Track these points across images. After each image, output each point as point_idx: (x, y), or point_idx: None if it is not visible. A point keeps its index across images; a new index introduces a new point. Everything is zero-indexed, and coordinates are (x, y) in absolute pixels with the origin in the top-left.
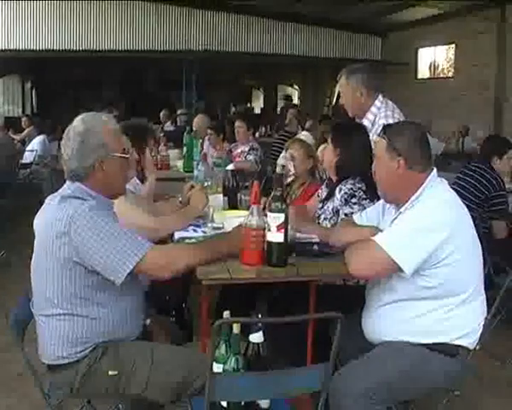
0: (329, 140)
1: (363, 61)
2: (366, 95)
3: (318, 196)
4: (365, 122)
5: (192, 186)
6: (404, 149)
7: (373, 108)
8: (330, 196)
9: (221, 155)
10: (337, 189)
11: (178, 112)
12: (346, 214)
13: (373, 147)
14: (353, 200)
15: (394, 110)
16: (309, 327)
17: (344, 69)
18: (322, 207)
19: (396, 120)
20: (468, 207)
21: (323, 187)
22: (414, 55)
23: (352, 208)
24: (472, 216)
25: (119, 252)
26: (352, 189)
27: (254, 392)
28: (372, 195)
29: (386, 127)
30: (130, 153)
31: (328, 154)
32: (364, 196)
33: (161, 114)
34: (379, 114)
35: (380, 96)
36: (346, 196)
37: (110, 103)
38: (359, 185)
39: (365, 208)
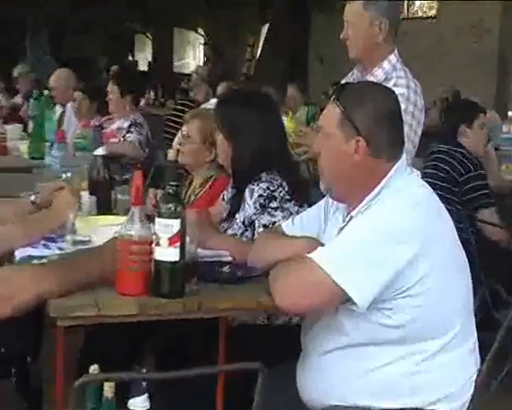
0: (217, 126)
1: None
2: (385, 33)
3: (224, 198)
4: (371, 79)
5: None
6: (367, 126)
7: (385, 64)
8: (237, 202)
9: (86, 134)
10: (247, 191)
11: (16, 72)
12: (264, 226)
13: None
14: (273, 204)
15: (417, 85)
16: (219, 384)
17: None
18: (229, 218)
19: (417, 98)
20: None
21: (229, 187)
22: None
23: (274, 216)
24: (455, 219)
25: None
26: (268, 188)
27: None
28: (298, 194)
29: (340, 89)
30: None
31: (220, 146)
32: (288, 197)
33: None
34: (395, 77)
35: (396, 52)
36: (261, 201)
37: None
38: (278, 182)
39: (291, 214)
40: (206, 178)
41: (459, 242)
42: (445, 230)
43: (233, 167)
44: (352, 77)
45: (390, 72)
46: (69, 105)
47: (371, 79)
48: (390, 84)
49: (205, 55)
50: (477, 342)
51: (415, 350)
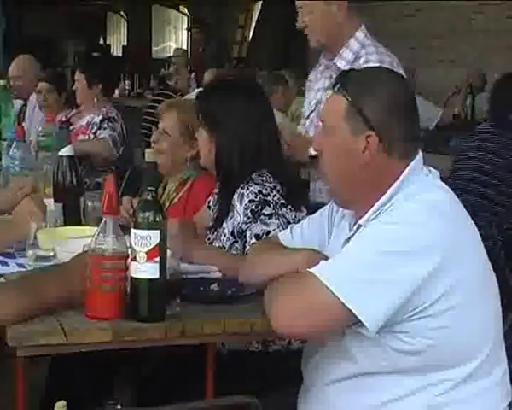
0: (199, 121)
1: None
2: (345, 11)
3: (210, 206)
4: (340, 64)
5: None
6: (379, 119)
7: (352, 43)
8: (225, 209)
9: (51, 130)
10: (235, 196)
11: None
12: (257, 236)
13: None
14: (267, 210)
15: (392, 57)
16: None
17: None
18: (215, 227)
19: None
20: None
21: (216, 193)
22: None
23: (268, 224)
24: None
25: None
26: (260, 192)
27: None
28: (295, 197)
29: (345, 76)
30: None
31: (202, 144)
32: (283, 201)
33: None
34: (365, 55)
35: (363, 27)
36: (253, 207)
37: None
38: (271, 184)
39: (289, 222)
40: (183, 181)
41: (486, 254)
42: (468, 239)
43: (218, 168)
44: (321, 68)
45: (359, 50)
46: (32, 98)
47: (340, 62)
48: (360, 64)
49: (192, 37)
50: (508, 372)
51: (434, 380)
